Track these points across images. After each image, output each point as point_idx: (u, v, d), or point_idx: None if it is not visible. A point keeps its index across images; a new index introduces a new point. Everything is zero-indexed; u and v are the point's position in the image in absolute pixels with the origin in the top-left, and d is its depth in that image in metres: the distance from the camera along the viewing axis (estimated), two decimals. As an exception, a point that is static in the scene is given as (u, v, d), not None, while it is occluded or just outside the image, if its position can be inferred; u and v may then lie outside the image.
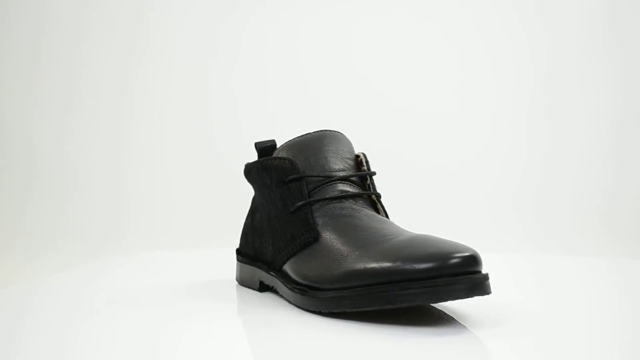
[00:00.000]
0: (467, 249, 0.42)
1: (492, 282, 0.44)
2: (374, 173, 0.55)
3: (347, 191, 0.52)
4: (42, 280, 0.71)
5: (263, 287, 0.56)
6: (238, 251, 0.60)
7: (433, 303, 0.42)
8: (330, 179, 0.52)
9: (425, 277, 0.41)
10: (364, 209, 0.51)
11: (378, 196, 0.54)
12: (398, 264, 0.42)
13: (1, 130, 1.85)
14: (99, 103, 1.83)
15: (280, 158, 0.54)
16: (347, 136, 0.58)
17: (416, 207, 1.45)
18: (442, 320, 0.44)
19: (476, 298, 0.42)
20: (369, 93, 1.68)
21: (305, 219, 0.50)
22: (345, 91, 1.70)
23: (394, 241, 0.45)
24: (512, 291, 0.55)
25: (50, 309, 0.52)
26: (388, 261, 0.43)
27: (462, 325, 0.43)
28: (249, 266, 0.58)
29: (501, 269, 0.72)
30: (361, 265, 0.44)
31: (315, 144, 0.55)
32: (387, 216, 0.54)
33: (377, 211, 0.53)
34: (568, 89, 1.64)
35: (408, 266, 0.41)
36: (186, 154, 1.75)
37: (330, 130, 0.57)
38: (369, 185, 0.54)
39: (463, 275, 0.41)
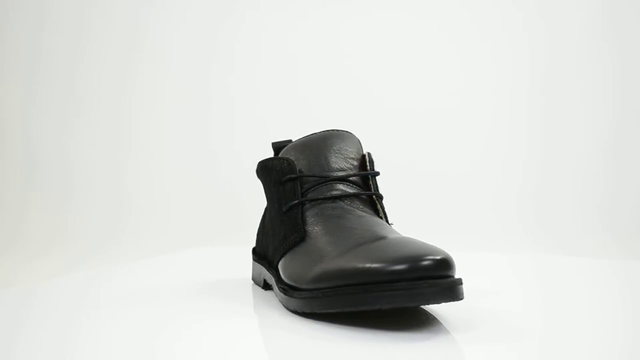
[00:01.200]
0: (437, 252, 0.41)
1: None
2: (377, 173, 0.54)
3: (344, 191, 0.51)
4: (57, 279, 0.71)
5: (266, 286, 0.56)
6: (253, 250, 0.61)
7: (396, 307, 0.40)
8: (326, 179, 0.52)
9: (390, 280, 0.39)
10: (357, 210, 0.50)
11: (379, 197, 0.53)
12: (366, 265, 0.41)
13: (0, 130, 1.85)
14: (98, 103, 1.83)
15: (279, 158, 0.54)
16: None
17: (420, 208, 1.46)
18: (424, 323, 0.43)
19: (465, 301, 0.41)
20: (372, 95, 1.68)
21: (294, 219, 0.50)
22: (348, 93, 1.69)
23: (372, 243, 0.44)
24: (510, 292, 0.55)
25: (67, 307, 0.53)
26: (357, 263, 0.42)
27: (445, 328, 0.41)
28: (258, 264, 0.58)
29: (502, 268, 0.72)
30: (332, 267, 0.43)
31: (319, 144, 0.55)
32: (386, 218, 0.53)
33: (377, 212, 0.52)
34: (568, 89, 1.63)
35: (374, 268, 0.40)
36: (188, 153, 1.74)
37: (338, 130, 0.56)
38: (371, 185, 0.53)
39: (427, 279, 0.39)
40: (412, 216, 0.97)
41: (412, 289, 0.39)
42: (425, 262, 0.39)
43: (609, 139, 1.60)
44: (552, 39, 1.65)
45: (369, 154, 0.55)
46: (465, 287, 0.42)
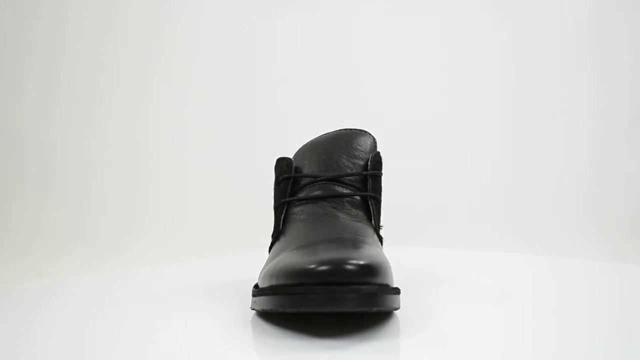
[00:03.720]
0: (358, 257, 0.38)
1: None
2: (375, 174, 0.52)
3: (335, 191, 0.51)
4: (71, 279, 0.71)
5: None
6: None
7: (301, 311, 0.38)
8: (317, 179, 0.51)
9: (297, 283, 0.38)
10: (338, 211, 0.49)
11: (373, 198, 0.51)
12: (284, 267, 0.40)
13: (18, 133, 1.86)
14: (117, 105, 1.83)
15: (284, 158, 0.55)
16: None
17: (408, 209, 1.45)
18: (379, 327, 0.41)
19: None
20: (382, 94, 1.69)
21: (278, 219, 0.51)
22: (354, 92, 1.70)
23: (311, 245, 0.42)
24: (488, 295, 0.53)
25: (78, 306, 0.53)
26: (282, 264, 0.41)
27: (391, 333, 0.40)
28: None
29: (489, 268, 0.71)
30: (269, 267, 0.43)
31: (326, 143, 0.54)
32: (375, 219, 0.50)
33: (369, 214, 0.51)
34: (556, 91, 1.63)
35: (289, 270, 0.39)
36: (208, 155, 1.75)
37: (352, 129, 0.56)
38: (368, 186, 0.52)
39: (339, 285, 0.37)
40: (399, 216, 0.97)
41: (307, 293, 0.37)
42: (331, 267, 0.37)
43: (596, 141, 1.60)
44: (545, 43, 1.64)
45: (375, 154, 0.53)
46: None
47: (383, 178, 0.54)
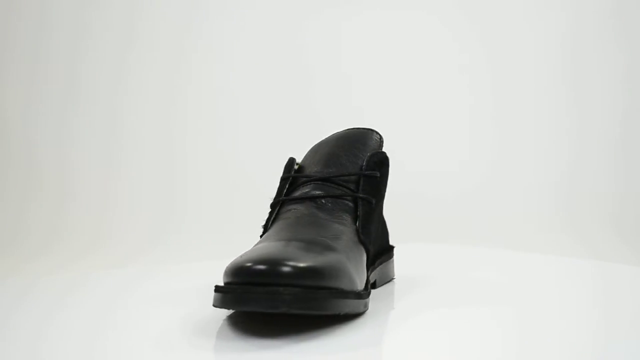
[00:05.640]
0: (299, 259, 0.37)
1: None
2: (370, 174, 0.51)
3: (326, 192, 0.50)
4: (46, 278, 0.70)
5: None
6: None
7: (243, 310, 0.38)
8: (310, 179, 0.51)
9: (232, 282, 0.38)
10: (319, 211, 0.48)
11: (362, 199, 0.50)
12: (228, 266, 0.40)
13: (0, 131, 1.82)
14: (97, 104, 1.81)
15: (290, 158, 0.55)
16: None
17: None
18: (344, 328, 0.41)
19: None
20: (397, 92, 1.69)
21: (268, 217, 0.51)
22: (368, 91, 1.70)
23: (266, 242, 0.43)
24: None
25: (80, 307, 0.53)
26: (232, 262, 0.41)
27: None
28: None
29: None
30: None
31: (331, 143, 0.54)
32: (361, 221, 0.49)
33: (356, 216, 0.49)
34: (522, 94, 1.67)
35: (228, 268, 0.39)
36: (193, 153, 1.74)
37: (358, 128, 0.55)
38: (362, 187, 0.50)
39: (260, 285, 0.37)
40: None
41: (229, 292, 0.37)
42: (267, 267, 0.37)
43: (574, 140, 1.64)
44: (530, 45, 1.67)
45: (373, 154, 0.52)
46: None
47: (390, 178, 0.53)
